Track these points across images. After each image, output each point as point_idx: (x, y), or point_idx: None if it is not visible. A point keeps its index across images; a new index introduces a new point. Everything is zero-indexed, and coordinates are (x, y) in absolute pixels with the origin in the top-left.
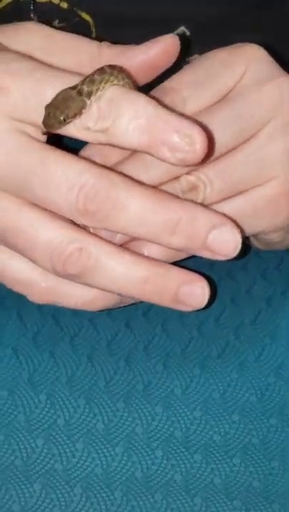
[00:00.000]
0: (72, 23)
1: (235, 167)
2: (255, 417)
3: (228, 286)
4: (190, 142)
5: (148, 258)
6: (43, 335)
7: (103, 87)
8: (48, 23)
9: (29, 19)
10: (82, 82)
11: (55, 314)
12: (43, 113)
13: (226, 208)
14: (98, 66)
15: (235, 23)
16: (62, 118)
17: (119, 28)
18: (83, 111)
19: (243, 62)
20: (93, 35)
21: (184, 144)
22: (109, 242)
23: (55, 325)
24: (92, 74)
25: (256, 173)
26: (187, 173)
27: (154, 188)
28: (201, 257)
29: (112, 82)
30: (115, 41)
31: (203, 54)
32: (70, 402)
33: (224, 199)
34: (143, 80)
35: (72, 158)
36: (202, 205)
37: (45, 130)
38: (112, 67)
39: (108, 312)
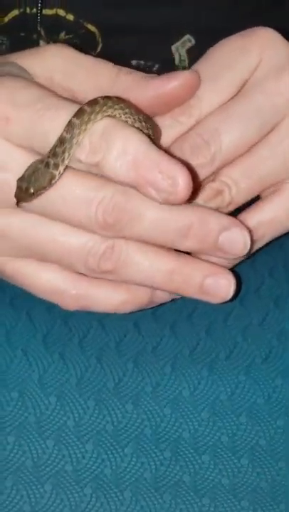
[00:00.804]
0: (79, 34)
1: (261, 163)
2: (263, 419)
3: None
4: (172, 184)
5: (174, 252)
6: (53, 336)
7: (95, 118)
8: (55, 34)
9: (36, 32)
10: (49, 154)
11: (64, 315)
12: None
13: (266, 213)
14: (115, 91)
15: (237, 30)
16: (31, 191)
17: (124, 36)
18: (52, 182)
19: (258, 50)
20: (99, 45)
21: (167, 185)
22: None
23: (64, 326)
24: (80, 109)
25: (283, 165)
26: (212, 180)
27: None
28: None
29: (105, 112)
30: (121, 50)
31: (217, 43)
32: (79, 404)
33: (252, 197)
34: (156, 112)
35: (87, 176)
36: (213, 209)
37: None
38: (107, 97)
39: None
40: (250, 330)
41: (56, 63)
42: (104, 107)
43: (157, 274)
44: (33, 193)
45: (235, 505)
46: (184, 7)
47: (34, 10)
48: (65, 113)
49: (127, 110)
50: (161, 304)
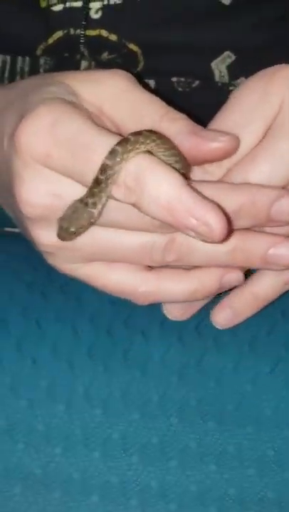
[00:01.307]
0: (121, 54)
1: None
2: (270, 429)
3: None
4: (208, 230)
5: (232, 230)
6: (97, 348)
7: (135, 150)
8: (98, 55)
9: (79, 53)
10: (87, 194)
11: (108, 327)
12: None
13: None
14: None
15: (281, 49)
16: (72, 230)
17: (166, 55)
18: (92, 220)
19: (280, 90)
20: (141, 63)
21: (202, 231)
22: None
23: (108, 338)
24: (124, 139)
25: None
26: None
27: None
28: None
29: (143, 148)
30: (162, 68)
31: (239, 86)
32: (124, 416)
33: None
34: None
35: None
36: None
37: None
38: (151, 132)
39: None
40: (258, 340)
41: (107, 93)
42: (137, 140)
43: (220, 254)
44: (74, 232)
45: None
46: (224, 26)
47: (78, 31)
48: (97, 154)
49: (167, 146)
50: (206, 318)
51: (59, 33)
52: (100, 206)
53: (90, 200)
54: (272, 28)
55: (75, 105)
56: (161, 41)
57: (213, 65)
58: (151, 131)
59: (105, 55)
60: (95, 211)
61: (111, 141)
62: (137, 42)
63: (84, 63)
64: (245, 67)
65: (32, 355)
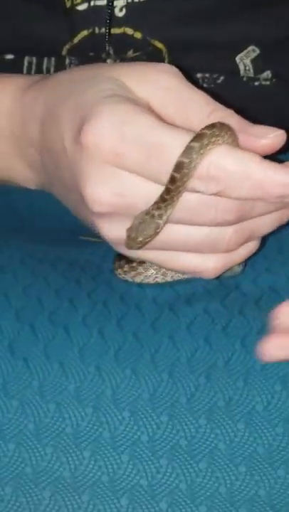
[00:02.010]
0: (146, 52)
1: None
2: (261, 426)
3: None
4: None
5: None
6: (124, 352)
7: (213, 143)
8: (123, 53)
9: (104, 51)
10: (153, 207)
11: (135, 331)
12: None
13: None
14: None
15: None
16: (139, 240)
17: (190, 52)
18: (157, 230)
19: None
20: (165, 60)
21: None
22: None
23: (135, 342)
24: (199, 134)
25: None
26: None
27: None
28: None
29: (217, 142)
30: (186, 64)
31: None
32: (152, 419)
33: None
34: None
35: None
36: None
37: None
38: (222, 124)
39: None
40: (249, 338)
41: (156, 89)
42: (214, 133)
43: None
44: (141, 241)
45: None
46: (248, 19)
47: (103, 30)
48: (171, 152)
49: (235, 137)
50: (232, 319)
51: (84, 33)
52: (165, 218)
53: (157, 213)
54: None
55: (136, 102)
56: (185, 37)
57: (237, 59)
58: (223, 124)
59: (130, 53)
60: (161, 222)
61: (184, 137)
62: (162, 39)
63: (109, 62)
64: (270, 60)
65: (59, 360)
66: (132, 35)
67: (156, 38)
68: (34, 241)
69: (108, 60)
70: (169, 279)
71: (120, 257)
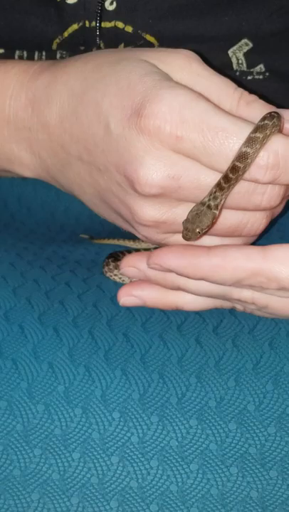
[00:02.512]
0: (138, 45)
1: None
2: (253, 426)
3: None
4: None
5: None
6: (115, 352)
7: (268, 137)
8: (114, 46)
9: (95, 45)
10: (209, 197)
11: (125, 331)
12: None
13: None
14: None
15: None
16: (197, 231)
17: (183, 45)
18: (213, 220)
19: None
20: None
21: None
22: None
23: (125, 342)
24: (259, 126)
25: None
26: None
27: None
28: None
29: (275, 132)
30: None
31: None
32: (142, 420)
33: None
34: None
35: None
36: None
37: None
38: (272, 116)
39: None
40: (241, 336)
41: (182, 77)
42: (274, 123)
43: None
44: (199, 233)
45: None
46: (241, 13)
47: (93, 23)
48: (234, 140)
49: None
50: (223, 319)
51: (74, 26)
52: (219, 207)
53: (213, 203)
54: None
55: (195, 91)
56: (177, 31)
57: (230, 53)
58: (278, 114)
59: (122, 47)
60: (217, 212)
61: (246, 127)
62: (153, 32)
63: None
64: (263, 54)
65: (48, 360)
66: (123, 28)
67: (148, 32)
68: (25, 238)
69: None
70: None
71: (110, 256)
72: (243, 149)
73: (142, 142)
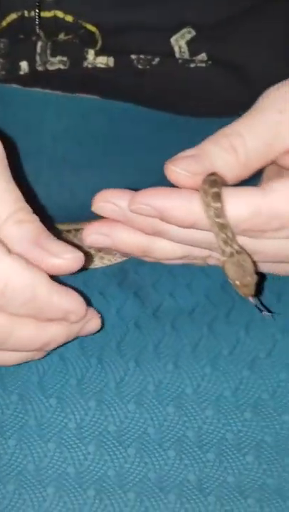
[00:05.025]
0: (78, 34)
1: None
2: (268, 415)
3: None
4: None
5: None
6: None
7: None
8: (54, 36)
9: (35, 34)
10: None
11: None
12: None
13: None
14: None
15: (242, 24)
16: (249, 279)
17: (123, 35)
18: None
19: None
20: (99, 43)
21: None
22: None
23: None
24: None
25: None
26: None
27: None
28: None
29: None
30: (120, 46)
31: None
32: (80, 405)
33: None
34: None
35: None
36: None
37: None
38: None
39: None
40: (253, 325)
41: None
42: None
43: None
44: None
45: (241, 503)
46: (183, 3)
47: (32, 13)
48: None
49: None
50: (162, 302)
51: (13, 16)
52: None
53: (235, 246)
54: (234, 3)
55: None
56: (118, 20)
57: (172, 41)
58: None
59: (62, 36)
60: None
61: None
62: (94, 22)
63: (40, 44)
64: (206, 43)
65: (59, 352)
66: (63, 18)
67: (88, 21)
68: None
69: (39, 43)
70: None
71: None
72: (215, 206)
73: None
